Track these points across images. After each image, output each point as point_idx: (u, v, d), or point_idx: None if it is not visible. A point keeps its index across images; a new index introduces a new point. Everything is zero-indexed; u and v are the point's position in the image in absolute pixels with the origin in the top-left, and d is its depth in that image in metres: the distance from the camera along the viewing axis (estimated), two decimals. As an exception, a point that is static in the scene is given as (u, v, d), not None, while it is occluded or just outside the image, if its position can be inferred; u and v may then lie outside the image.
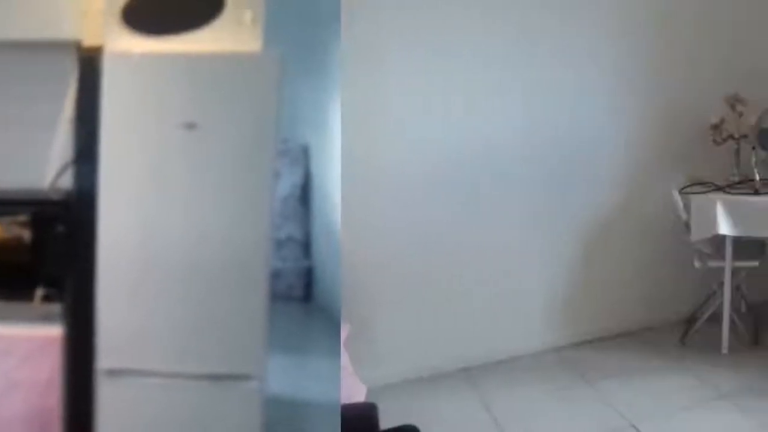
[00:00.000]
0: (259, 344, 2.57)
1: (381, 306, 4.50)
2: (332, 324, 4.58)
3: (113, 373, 2.52)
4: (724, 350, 4.77)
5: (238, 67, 2.50)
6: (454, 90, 4.49)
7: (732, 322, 4.81)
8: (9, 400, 2.55)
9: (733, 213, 4.54)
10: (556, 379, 4.59)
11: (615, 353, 4.91)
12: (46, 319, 2.61)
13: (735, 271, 4.82)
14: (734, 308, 4.88)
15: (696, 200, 4.68)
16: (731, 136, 4.90)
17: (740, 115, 4.84)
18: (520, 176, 4.74)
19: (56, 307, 2.58)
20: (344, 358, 3.38)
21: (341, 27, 3.96)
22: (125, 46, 2.51)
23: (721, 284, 4.81)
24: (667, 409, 4.12)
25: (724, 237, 4.63)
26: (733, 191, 4.71)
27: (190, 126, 2.46)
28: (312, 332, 4.65)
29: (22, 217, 2.82)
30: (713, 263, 4.80)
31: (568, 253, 5.02)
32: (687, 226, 4.73)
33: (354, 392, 3.05)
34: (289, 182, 5.21)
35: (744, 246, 4.83)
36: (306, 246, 5.28)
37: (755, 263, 4.81)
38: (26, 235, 2.82)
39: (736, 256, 4.73)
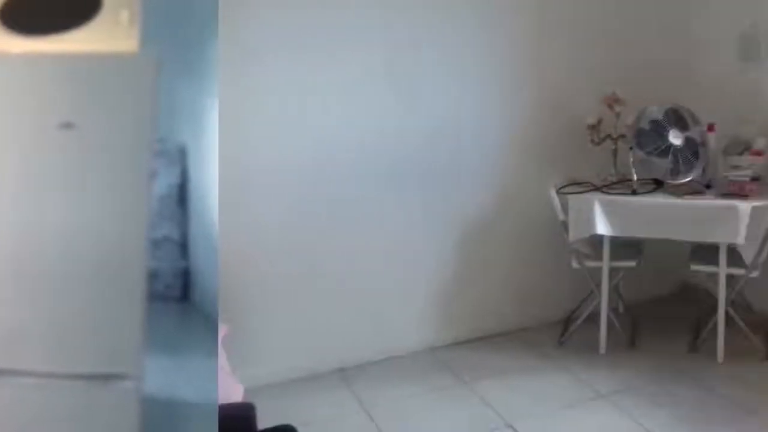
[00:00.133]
0: (136, 344, 2.62)
1: (259, 306, 4.47)
2: (209, 324, 4.58)
3: (-12, 372, 2.50)
4: (602, 350, 4.89)
5: (115, 67, 2.54)
6: (331, 89, 4.48)
7: (609, 322, 4.91)
8: None
9: (610, 213, 4.65)
10: (432, 379, 4.63)
11: (492, 353, 4.98)
12: None
13: (613, 272, 4.92)
14: (612, 308, 4.99)
15: (574, 200, 4.77)
16: (609, 136, 4.99)
17: (618, 115, 4.94)
18: (397, 176, 4.76)
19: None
20: (222, 358, 3.38)
21: (218, 26, 4.02)
22: (3, 47, 2.54)
23: (599, 284, 4.90)
24: (544, 409, 4.22)
25: (601, 237, 4.75)
26: (610, 191, 4.81)
27: (67, 126, 2.49)
28: (189, 332, 4.65)
29: None
30: (591, 263, 4.91)
31: (445, 252, 5.05)
32: (565, 226, 4.82)
33: (231, 392, 3.05)
34: (166, 182, 5.19)
35: (621, 246, 4.95)
36: (183, 246, 5.27)
37: (632, 263, 4.91)
38: None
39: (614, 256, 4.84)
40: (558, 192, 4.91)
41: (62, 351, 2.62)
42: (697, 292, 5.46)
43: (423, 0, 4.70)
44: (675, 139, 4.76)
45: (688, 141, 4.79)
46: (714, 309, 4.73)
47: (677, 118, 4.83)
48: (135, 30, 2.63)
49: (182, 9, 4.68)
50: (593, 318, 5.00)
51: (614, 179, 5.03)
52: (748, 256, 4.56)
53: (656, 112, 4.79)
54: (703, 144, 4.85)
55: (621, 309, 5.44)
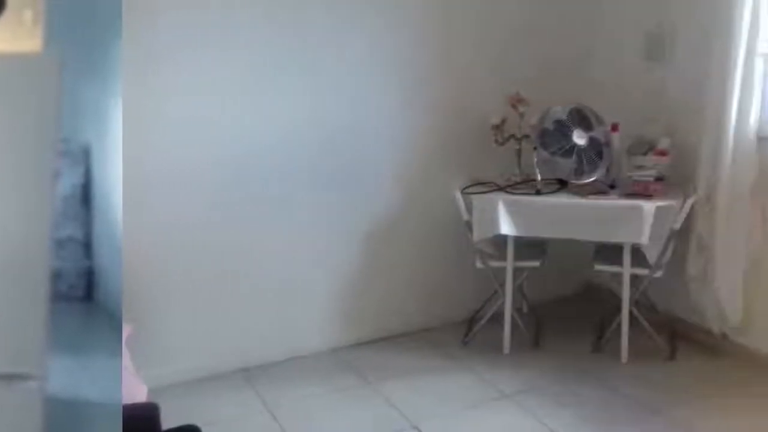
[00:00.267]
0: (39, 344, 2.56)
1: (163, 306, 4.38)
2: (113, 324, 4.45)
3: None
4: (506, 350, 4.84)
5: (19, 66, 2.48)
6: (236, 89, 4.40)
7: (513, 322, 4.86)
8: None
9: (514, 213, 4.58)
10: (336, 379, 4.56)
11: (396, 353, 4.92)
12: None
13: (516, 272, 4.86)
14: (516, 308, 4.95)
15: (478, 200, 4.68)
16: (513, 136, 4.92)
17: (522, 115, 4.88)
18: (302, 175, 4.67)
19: None
20: (125, 358, 3.31)
21: (122, 27, 3.88)
22: None
23: (503, 284, 4.83)
24: (448, 409, 4.18)
25: (505, 237, 4.68)
26: (514, 191, 4.73)
27: (-29, 126, 2.43)
28: (93, 332, 4.52)
29: None
30: (495, 263, 4.84)
31: (349, 252, 4.97)
32: (469, 226, 4.73)
33: (135, 392, 3.00)
34: (69, 182, 5.05)
35: (525, 246, 4.89)
36: (87, 246, 5.13)
37: (536, 263, 4.86)
38: None
39: (518, 256, 4.78)
40: (462, 192, 4.82)
41: (-34, 350, 2.52)
42: (601, 292, 5.44)
43: (328, 2, 4.62)
44: (579, 139, 4.71)
45: (592, 141, 4.74)
46: (618, 309, 4.73)
47: (581, 118, 4.78)
48: (38, 30, 2.55)
49: (86, 9, 4.55)
50: (497, 318, 4.94)
51: (518, 179, 4.96)
52: (651, 256, 4.56)
53: (560, 112, 4.73)
54: (607, 144, 4.81)
55: (525, 309, 5.39)
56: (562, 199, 4.65)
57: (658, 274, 4.65)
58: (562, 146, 4.68)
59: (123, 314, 4.00)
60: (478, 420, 4.08)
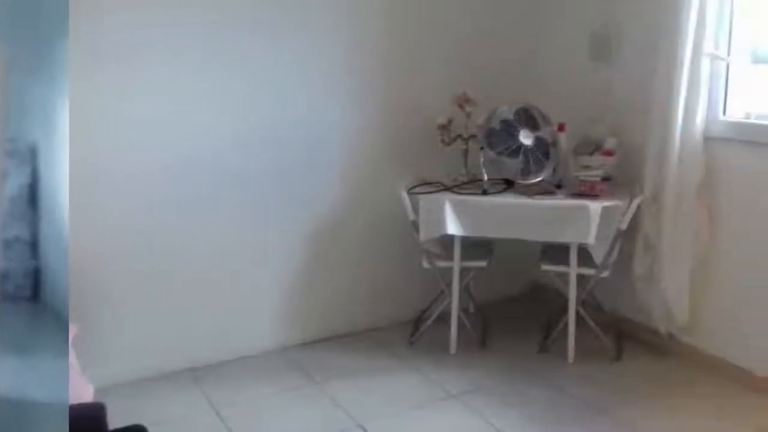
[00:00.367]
0: None
1: (109, 306, 4.30)
2: (60, 324, 4.39)
3: None
4: (452, 350, 4.77)
5: None
6: (182, 89, 4.33)
7: (460, 322, 4.80)
8: None
9: (461, 213, 4.51)
10: (284, 379, 4.48)
11: (343, 353, 4.84)
12: None
13: (463, 272, 4.78)
14: (462, 308, 4.89)
15: (424, 200, 4.60)
16: (460, 136, 4.85)
17: (469, 115, 4.81)
18: (248, 175, 4.61)
19: None
20: (72, 357, 3.26)
21: (68, 26, 3.80)
22: None
23: (450, 284, 4.75)
24: (395, 409, 4.12)
25: (452, 237, 4.61)
26: (461, 191, 4.67)
27: None
28: (40, 332, 4.49)
29: None
30: (442, 263, 4.77)
31: (296, 252, 4.89)
32: (415, 226, 4.65)
33: (82, 392, 2.95)
34: (17, 182, 5.03)
35: (472, 246, 4.82)
36: (34, 246, 5.12)
37: (483, 263, 4.80)
38: None
39: (465, 256, 4.71)
40: (409, 192, 4.75)
41: None
42: (548, 292, 5.35)
43: (274, 1, 4.56)
44: (525, 139, 4.65)
45: (538, 141, 4.68)
46: (564, 309, 4.68)
47: (528, 118, 4.71)
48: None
49: (32, 8, 4.53)
50: (444, 318, 4.88)
51: (465, 179, 4.89)
52: (598, 256, 4.53)
53: (507, 112, 4.67)
54: (554, 144, 4.75)
55: (472, 309, 5.29)
56: (509, 199, 4.59)
57: (605, 274, 4.62)
58: (508, 146, 4.62)
59: (69, 314, 3.94)
60: (425, 420, 4.04)
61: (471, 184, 4.82)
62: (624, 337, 4.92)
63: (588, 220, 4.36)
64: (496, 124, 4.65)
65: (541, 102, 4.87)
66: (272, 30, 4.58)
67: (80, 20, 3.88)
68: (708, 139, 4.41)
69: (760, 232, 4.25)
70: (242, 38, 4.49)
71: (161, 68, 4.27)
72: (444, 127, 4.89)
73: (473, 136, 4.84)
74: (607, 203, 4.43)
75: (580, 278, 4.67)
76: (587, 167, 4.63)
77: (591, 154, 4.73)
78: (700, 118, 4.36)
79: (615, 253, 4.60)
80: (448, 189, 4.77)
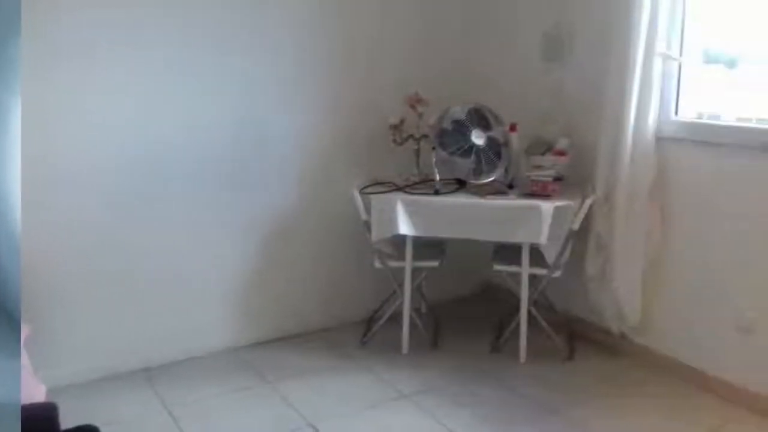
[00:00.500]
0: None
1: (62, 306, 4.22)
2: (12, 324, 4.28)
3: None
4: (404, 350, 4.72)
5: None
6: (137, 88, 4.27)
7: (412, 322, 4.74)
8: None
9: (413, 213, 4.45)
10: (236, 379, 4.43)
11: (295, 353, 4.77)
12: None
13: (415, 272, 4.73)
14: (414, 308, 4.82)
15: (376, 200, 4.54)
16: (411, 136, 4.79)
17: (420, 115, 4.75)
18: (201, 175, 4.54)
19: None
20: (24, 358, 3.22)
21: (21, 24, 3.75)
22: None
23: (402, 284, 4.70)
24: (347, 409, 4.07)
25: (404, 237, 4.55)
26: (413, 191, 4.60)
27: None
28: None
29: None
30: (394, 263, 4.70)
31: (247, 252, 4.83)
32: (367, 226, 4.59)
33: (34, 392, 2.92)
34: None
35: (424, 246, 4.77)
36: None
37: (435, 263, 4.73)
38: None
39: (417, 256, 4.65)
40: (361, 192, 4.67)
41: None
42: (500, 292, 5.30)
43: (226, 2, 4.50)
44: (477, 139, 4.59)
45: (490, 141, 4.62)
46: (517, 309, 4.63)
47: (479, 118, 4.65)
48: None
49: None
50: (396, 318, 4.82)
51: (417, 179, 4.83)
52: (550, 256, 4.49)
53: (459, 112, 4.61)
54: (506, 144, 4.68)
55: (424, 309, 5.24)
56: (461, 199, 4.53)
57: (557, 274, 4.58)
58: (460, 146, 4.56)
59: (21, 314, 3.87)
60: (377, 420, 3.98)
61: (423, 184, 4.75)
62: (576, 337, 4.88)
63: (540, 220, 4.30)
64: (447, 124, 4.59)
65: (493, 102, 4.81)
66: (226, 31, 4.50)
67: (38, 18, 3.84)
68: (660, 139, 4.35)
69: (711, 232, 4.21)
70: (197, 39, 4.42)
71: (117, 68, 4.19)
72: (396, 127, 4.81)
73: (425, 136, 4.78)
74: (559, 203, 4.38)
75: (532, 278, 4.62)
76: (539, 167, 4.56)
77: (543, 154, 4.67)
78: (652, 118, 4.30)
79: (567, 253, 4.55)
80: (400, 189, 4.69)
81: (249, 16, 4.55)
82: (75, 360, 4.31)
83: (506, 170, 4.69)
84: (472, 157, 4.56)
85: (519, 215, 4.38)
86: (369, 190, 4.71)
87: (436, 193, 4.57)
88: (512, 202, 4.45)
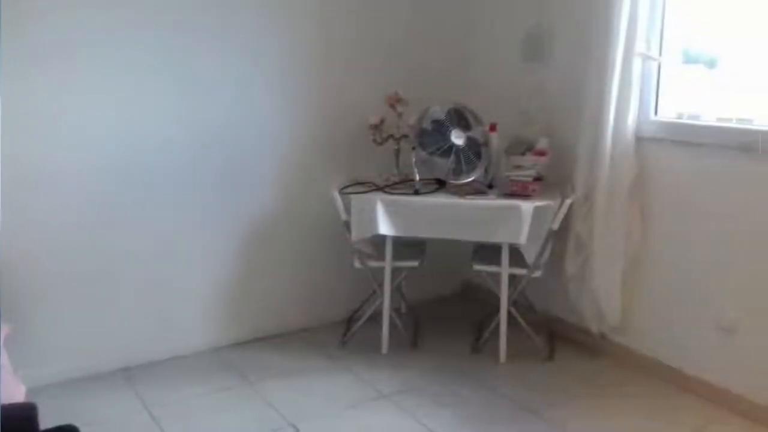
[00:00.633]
0: None
1: (43, 305, 4.18)
2: None
3: None
4: (384, 350, 4.65)
5: None
6: (117, 91, 4.21)
7: (392, 322, 4.68)
8: None
9: (393, 213, 4.39)
10: (216, 379, 4.37)
11: (276, 353, 4.72)
12: None
13: (395, 272, 4.67)
14: (394, 309, 4.77)
15: (356, 200, 4.49)
16: (391, 136, 4.74)
17: (400, 115, 4.70)
18: (182, 176, 4.49)
19: None
20: (3, 357, 3.14)
21: (1, 24, 3.68)
22: None
23: (381, 284, 4.64)
24: (327, 409, 4.02)
25: (384, 237, 4.50)
26: (393, 191, 4.55)
27: None
28: None
29: None
30: (373, 263, 4.65)
31: (228, 252, 4.78)
32: (347, 226, 4.54)
33: (13, 392, 2.87)
34: None
35: (404, 246, 4.71)
36: None
37: (415, 263, 4.67)
38: None
39: (396, 256, 4.59)
40: (340, 192, 4.62)
41: None
42: (480, 292, 5.25)
43: (206, 3, 4.43)
44: (457, 139, 4.54)
45: (470, 141, 4.57)
46: (496, 309, 4.56)
47: (459, 118, 4.60)
48: None
49: None
50: (376, 318, 4.77)
51: (397, 179, 4.76)
52: (530, 257, 4.43)
53: (438, 112, 4.56)
54: (486, 144, 4.63)
55: (403, 309, 5.17)
56: (441, 199, 4.47)
57: (537, 274, 4.52)
58: (440, 146, 4.51)
59: (1, 314, 3.74)
60: (357, 420, 3.93)
61: (403, 184, 4.69)
62: (556, 337, 4.83)
63: (520, 220, 4.25)
64: (427, 124, 4.53)
65: (473, 102, 4.76)
66: (206, 32, 4.44)
67: (16, 19, 3.79)
68: (640, 139, 4.29)
69: (691, 232, 4.15)
70: (176, 40, 4.35)
71: (97, 68, 4.13)
72: (376, 127, 4.74)
73: (405, 136, 4.71)
74: (538, 203, 4.33)
75: (512, 278, 4.57)
76: (519, 167, 4.50)
77: (523, 154, 4.60)
78: (631, 119, 4.24)
79: (547, 253, 4.50)
80: (379, 189, 4.63)
81: (228, 19, 4.49)
82: (55, 360, 4.25)
83: (486, 170, 4.63)
84: (452, 157, 4.50)
85: (499, 215, 4.32)
86: (349, 190, 4.65)
87: (416, 193, 4.51)
88: (492, 202, 4.39)
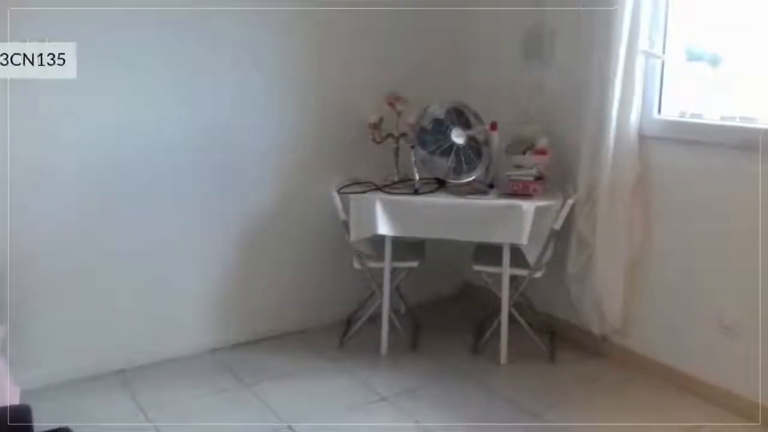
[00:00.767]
0: None
1: (38, 307, 4.13)
2: None
3: None
4: (383, 352, 4.59)
5: None
6: (111, 88, 4.16)
7: (391, 323, 4.63)
8: None
9: (392, 213, 4.34)
10: (213, 381, 4.31)
11: (274, 355, 4.66)
12: None
13: (394, 272, 4.63)
14: (393, 309, 4.72)
15: (355, 200, 4.44)
16: (391, 135, 4.69)
17: (400, 114, 4.64)
18: (179, 175, 4.44)
19: None
20: None
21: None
22: None
23: (381, 285, 4.60)
24: (326, 410, 3.97)
25: (383, 237, 4.44)
26: (392, 191, 4.50)
27: None
28: None
29: None
30: (373, 264, 4.59)
31: (225, 253, 4.73)
32: (346, 226, 4.49)
33: (8, 394, 2.85)
34: None
35: (404, 246, 4.67)
36: None
37: (415, 264, 4.61)
38: None
39: (396, 256, 4.53)
40: (339, 192, 4.57)
41: None
42: (480, 293, 5.16)
43: (206, 3, 4.37)
44: (457, 138, 4.48)
45: (470, 140, 4.51)
46: (497, 310, 4.50)
47: (459, 117, 4.54)
48: None
49: None
50: (375, 319, 4.72)
51: (396, 179, 4.71)
52: (531, 257, 4.38)
53: (438, 111, 4.49)
54: (486, 143, 4.57)
55: (403, 310, 5.09)
56: (441, 199, 4.42)
57: (538, 274, 4.46)
58: (440, 145, 4.45)
59: None
60: (356, 422, 3.87)
61: (402, 184, 4.63)
62: (557, 338, 4.77)
63: (521, 220, 4.19)
64: (427, 123, 4.46)
65: (474, 101, 4.68)
66: (203, 31, 4.39)
67: (9, 13, 3.75)
68: (643, 138, 4.22)
69: (694, 231, 4.08)
70: (174, 39, 4.30)
71: (89, 67, 4.05)
72: (375, 126, 4.68)
73: (404, 135, 4.65)
74: (540, 203, 4.27)
75: (513, 279, 4.51)
76: (520, 167, 4.44)
77: (524, 153, 4.53)
78: (634, 117, 4.16)
79: (548, 254, 4.43)
80: (379, 189, 4.57)
81: (225, 18, 4.44)
82: (50, 361, 4.20)
83: (487, 169, 4.57)
84: (452, 156, 4.45)
85: (500, 215, 4.26)
86: (348, 189, 4.59)
87: (416, 192, 4.45)
88: (493, 201, 4.34)
